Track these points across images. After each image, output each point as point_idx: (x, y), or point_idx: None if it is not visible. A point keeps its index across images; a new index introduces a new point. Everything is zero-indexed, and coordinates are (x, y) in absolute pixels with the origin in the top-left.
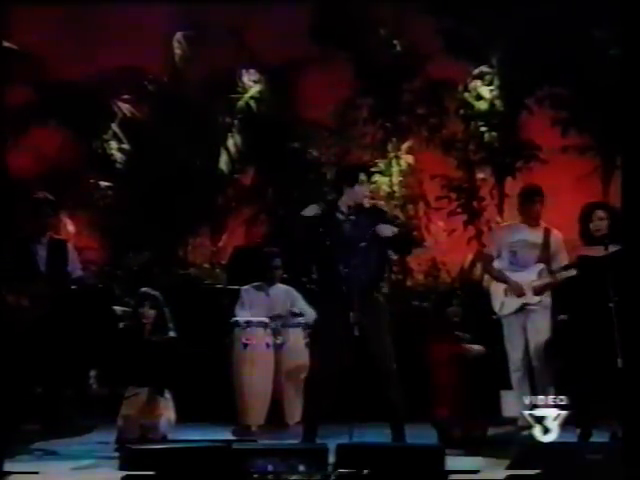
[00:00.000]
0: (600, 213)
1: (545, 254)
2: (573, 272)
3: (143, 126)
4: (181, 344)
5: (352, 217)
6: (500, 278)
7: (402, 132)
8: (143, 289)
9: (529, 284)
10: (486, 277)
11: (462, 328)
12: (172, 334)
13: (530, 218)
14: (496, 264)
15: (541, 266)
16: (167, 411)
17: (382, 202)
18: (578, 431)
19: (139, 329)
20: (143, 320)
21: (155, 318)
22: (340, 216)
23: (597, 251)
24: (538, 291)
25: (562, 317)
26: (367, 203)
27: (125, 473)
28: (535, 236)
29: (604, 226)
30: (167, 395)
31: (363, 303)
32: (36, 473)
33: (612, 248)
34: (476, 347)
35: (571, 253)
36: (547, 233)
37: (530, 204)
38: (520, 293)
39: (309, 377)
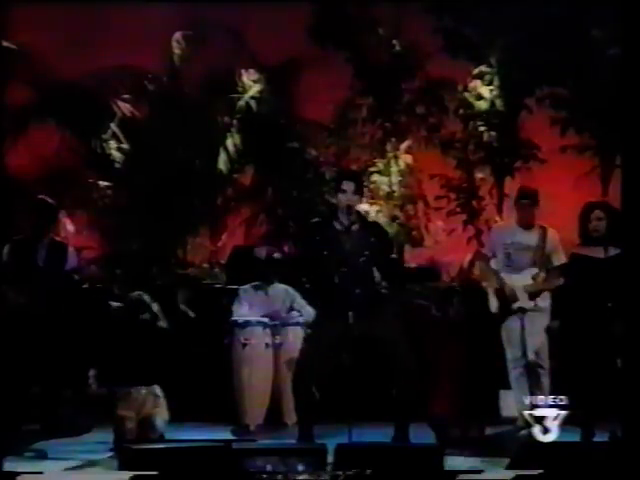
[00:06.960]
0: (598, 213)
1: (540, 255)
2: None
3: (142, 126)
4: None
5: (352, 228)
6: (496, 279)
7: (401, 132)
8: (135, 294)
9: (523, 288)
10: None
11: (462, 327)
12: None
13: (524, 220)
14: (492, 264)
15: (535, 270)
16: (161, 409)
17: (381, 202)
18: (578, 431)
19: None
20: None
21: (150, 318)
22: (338, 225)
23: (594, 251)
24: (533, 296)
25: (557, 322)
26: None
27: (132, 473)
28: (529, 238)
29: (602, 226)
30: (159, 393)
31: (368, 304)
32: (40, 473)
33: (611, 249)
34: None
35: (569, 253)
36: (543, 232)
37: (523, 207)
38: (513, 299)
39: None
